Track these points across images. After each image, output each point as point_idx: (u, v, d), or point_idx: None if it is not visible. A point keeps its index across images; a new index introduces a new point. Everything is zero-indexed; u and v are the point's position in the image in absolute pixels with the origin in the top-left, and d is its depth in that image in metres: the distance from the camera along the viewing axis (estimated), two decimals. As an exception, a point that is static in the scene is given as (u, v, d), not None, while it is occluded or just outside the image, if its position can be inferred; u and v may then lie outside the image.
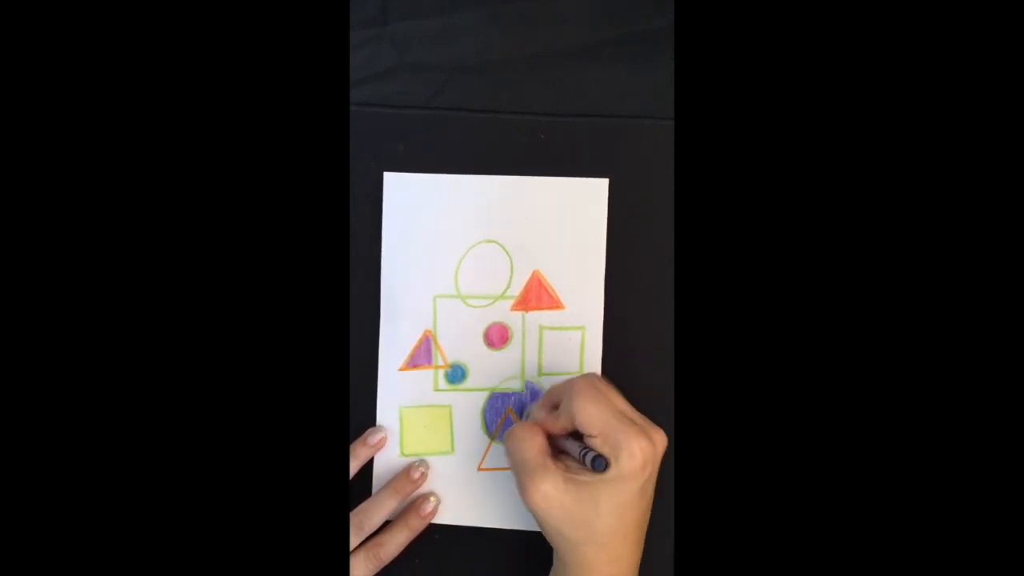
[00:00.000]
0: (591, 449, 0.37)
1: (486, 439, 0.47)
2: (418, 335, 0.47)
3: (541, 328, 0.46)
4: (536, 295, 0.46)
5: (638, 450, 0.35)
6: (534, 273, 0.46)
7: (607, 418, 0.36)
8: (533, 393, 0.46)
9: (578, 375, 0.40)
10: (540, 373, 0.47)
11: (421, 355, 0.47)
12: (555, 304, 0.46)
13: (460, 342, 0.47)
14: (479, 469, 0.47)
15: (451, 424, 0.47)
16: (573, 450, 0.38)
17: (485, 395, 0.47)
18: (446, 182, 0.47)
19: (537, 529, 0.43)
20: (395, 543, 0.44)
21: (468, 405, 0.47)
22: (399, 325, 0.47)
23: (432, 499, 0.46)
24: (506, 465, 0.46)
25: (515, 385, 0.47)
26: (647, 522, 0.39)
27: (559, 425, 0.39)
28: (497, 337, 0.47)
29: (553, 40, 0.47)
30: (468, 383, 0.47)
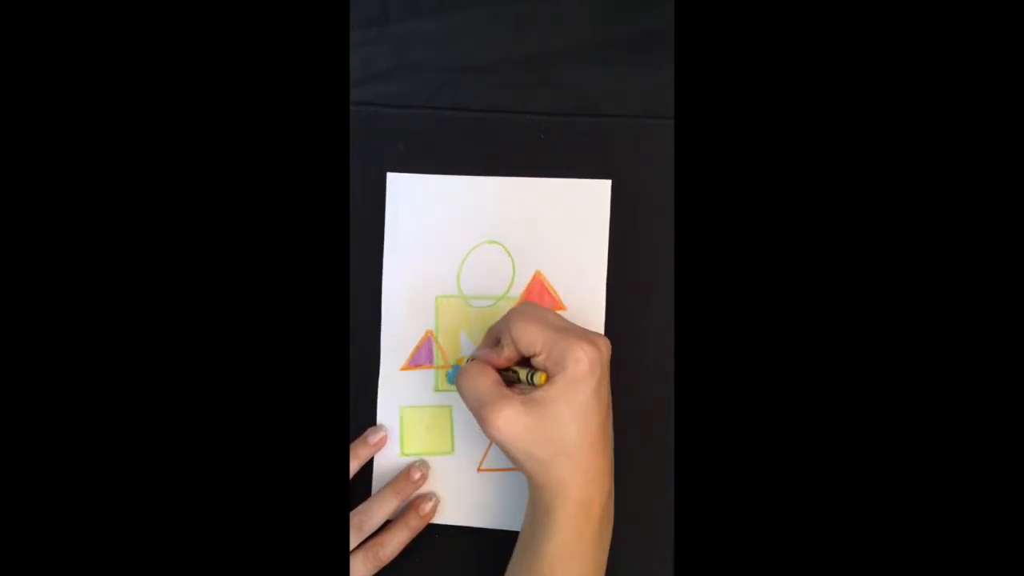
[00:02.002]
0: (534, 368, 0.38)
1: (486, 439, 0.47)
2: (420, 335, 0.47)
3: (542, 328, 0.46)
4: (538, 296, 0.46)
5: (582, 354, 0.36)
6: (536, 274, 0.46)
7: (546, 333, 0.37)
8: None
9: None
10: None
11: (422, 355, 0.47)
12: (557, 305, 0.46)
13: (461, 342, 0.47)
14: (479, 469, 0.47)
15: (451, 424, 0.47)
16: (521, 374, 0.39)
17: (486, 395, 0.47)
18: (449, 183, 0.47)
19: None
20: (395, 543, 0.44)
21: (469, 405, 0.47)
22: (401, 325, 0.47)
23: (432, 499, 0.46)
24: (507, 466, 0.46)
25: (516, 385, 0.47)
26: (610, 434, 0.39)
27: (504, 357, 0.40)
28: (498, 337, 0.47)
29: (553, 40, 0.47)
30: (469, 383, 0.47)
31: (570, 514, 0.37)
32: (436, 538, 0.46)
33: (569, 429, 0.36)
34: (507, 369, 0.40)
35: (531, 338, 0.38)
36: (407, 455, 0.47)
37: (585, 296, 0.46)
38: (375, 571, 0.44)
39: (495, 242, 0.47)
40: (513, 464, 0.39)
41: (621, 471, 0.40)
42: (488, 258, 0.47)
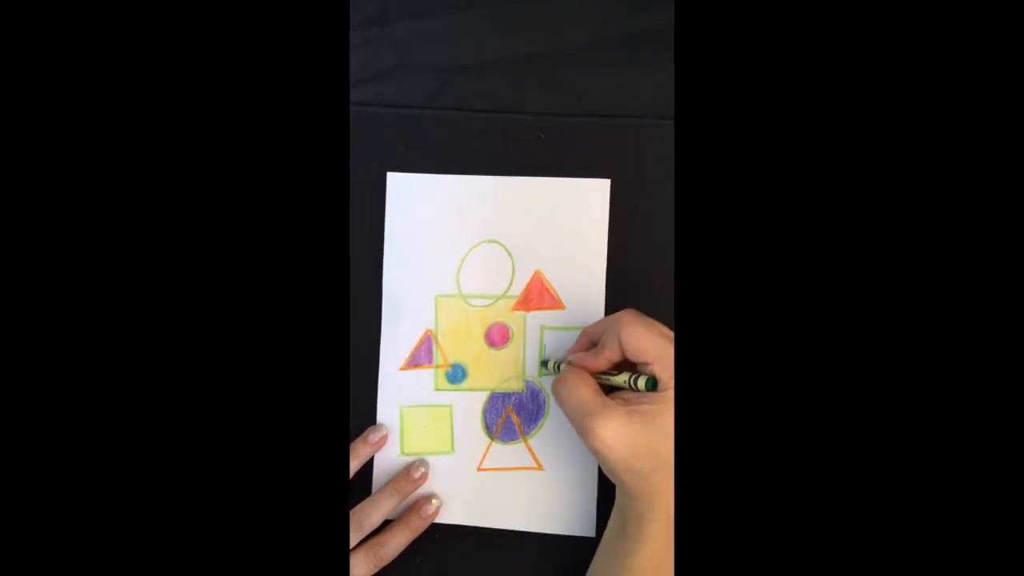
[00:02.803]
0: (640, 373, 0.37)
1: (486, 439, 0.47)
2: (419, 335, 0.47)
3: (542, 328, 0.46)
4: (537, 295, 0.46)
5: None
6: (536, 273, 0.46)
7: (661, 342, 0.37)
8: (533, 393, 0.46)
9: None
10: (540, 374, 0.47)
11: (422, 355, 0.47)
12: (556, 304, 0.46)
13: (461, 342, 0.47)
14: (479, 469, 0.47)
15: (451, 424, 0.47)
16: (620, 381, 0.38)
17: (486, 395, 0.47)
18: (448, 182, 0.47)
19: (537, 530, 0.43)
20: (395, 543, 0.44)
21: (469, 405, 0.47)
22: (400, 325, 0.47)
23: (434, 501, 0.46)
24: (507, 465, 0.46)
25: (516, 385, 0.47)
26: None
27: (603, 359, 0.39)
28: (498, 337, 0.47)
29: (553, 40, 0.47)
30: (469, 383, 0.47)
31: (662, 527, 0.36)
32: (436, 538, 0.46)
33: (671, 442, 0.36)
34: (602, 373, 0.40)
35: (644, 345, 0.37)
36: (407, 455, 0.47)
37: (584, 296, 0.46)
38: (375, 571, 0.44)
39: (495, 241, 0.47)
40: (606, 472, 0.38)
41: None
42: (488, 257, 0.47)
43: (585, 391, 0.38)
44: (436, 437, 0.47)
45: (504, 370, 0.47)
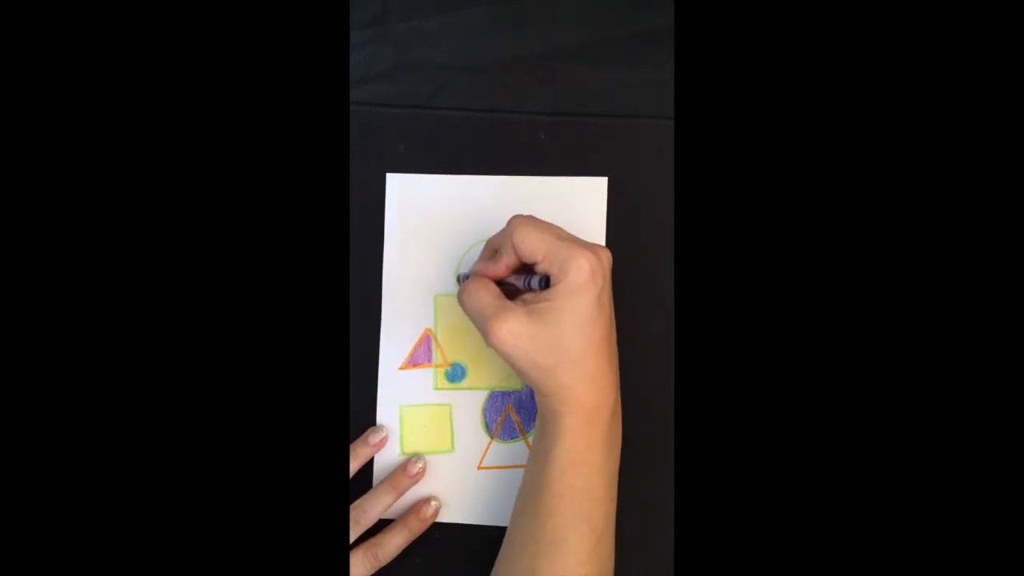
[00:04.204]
0: (533, 274, 0.38)
1: (486, 438, 0.47)
2: (419, 334, 0.47)
3: (541, 327, 0.46)
4: (536, 294, 0.46)
5: (584, 261, 0.36)
6: (535, 272, 0.46)
7: (549, 240, 0.37)
8: (532, 392, 0.46)
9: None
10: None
11: (421, 354, 0.47)
12: (555, 303, 0.46)
13: (460, 341, 0.47)
14: (479, 468, 0.47)
15: (451, 423, 0.47)
16: (519, 283, 0.39)
17: (485, 394, 0.47)
18: (448, 182, 0.47)
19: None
20: (394, 544, 0.44)
21: (468, 404, 0.47)
22: (400, 324, 0.47)
23: (433, 503, 0.46)
24: (507, 463, 0.46)
25: (515, 384, 0.47)
26: (614, 343, 0.39)
27: (503, 266, 0.40)
28: (497, 336, 0.47)
29: (553, 40, 0.47)
30: (468, 382, 0.47)
31: (578, 419, 0.37)
32: (436, 537, 0.46)
33: (573, 337, 0.36)
34: (506, 283, 0.41)
35: (532, 245, 0.38)
36: (407, 454, 0.47)
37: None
38: (373, 571, 0.44)
39: (494, 241, 0.47)
40: (518, 375, 0.39)
41: (621, 469, 0.40)
42: (487, 257, 0.47)
43: (485, 296, 0.39)
44: (436, 436, 0.47)
45: (503, 369, 0.47)
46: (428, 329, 0.47)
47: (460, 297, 0.40)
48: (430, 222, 0.47)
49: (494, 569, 0.41)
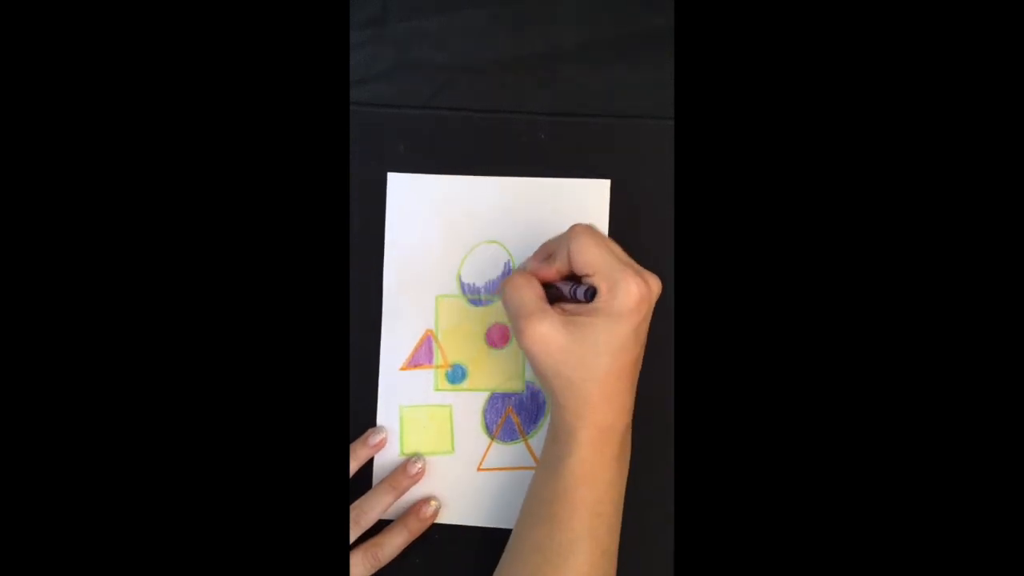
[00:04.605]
0: (581, 284, 0.38)
1: (486, 439, 0.47)
2: (419, 335, 0.47)
3: (542, 328, 0.46)
4: (537, 295, 0.46)
5: (635, 287, 0.36)
6: (535, 273, 0.46)
7: (606, 257, 0.37)
8: (533, 394, 0.46)
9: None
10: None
11: (422, 355, 0.47)
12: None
13: (461, 342, 0.47)
14: (479, 469, 0.47)
15: (451, 424, 0.47)
16: (564, 289, 0.39)
17: (486, 395, 0.47)
18: (449, 183, 0.47)
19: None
20: (394, 544, 0.44)
21: (469, 405, 0.47)
22: (401, 324, 0.47)
23: (433, 503, 0.46)
24: (507, 464, 0.46)
25: (516, 385, 0.47)
26: (638, 371, 0.39)
27: (554, 270, 0.39)
28: (498, 337, 0.47)
29: (553, 40, 0.47)
30: (468, 383, 0.47)
31: (592, 435, 0.37)
32: (436, 538, 0.46)
33: (604, 359, 0.36)
34: (551, 286, 0.40)
35: (590, 258, 0.37)
36: (407, 455, 0.47)
37: (585, 296, 0.46)
38: (373, 571, 0.44)
39: (495, 242, 0.47)
40: (538, 377, 0.39)
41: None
42: (488, 258, 0.47)
43: (528, 293, 0.38)
44: (436, 437, 0.47)
45: (504, 370, 0.47)
46: (429, 330, 0.47)
47: (502, 288, 0.40)
48: (430, 222, 0.47)
49: (496, 572, 0.41)
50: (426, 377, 0.47)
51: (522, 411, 0.47)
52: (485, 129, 0.47)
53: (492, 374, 0.47)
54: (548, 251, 0.41)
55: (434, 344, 0.47)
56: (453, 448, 0.47)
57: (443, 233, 0.47)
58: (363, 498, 0.45)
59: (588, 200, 0.46)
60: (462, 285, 0.47)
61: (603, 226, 0.46)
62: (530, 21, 0.47)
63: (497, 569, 0.41)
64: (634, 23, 0.47)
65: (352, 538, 0.44)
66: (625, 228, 0.46)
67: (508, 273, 0.47)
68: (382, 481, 0.46)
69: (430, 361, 0.47)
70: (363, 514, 0.44)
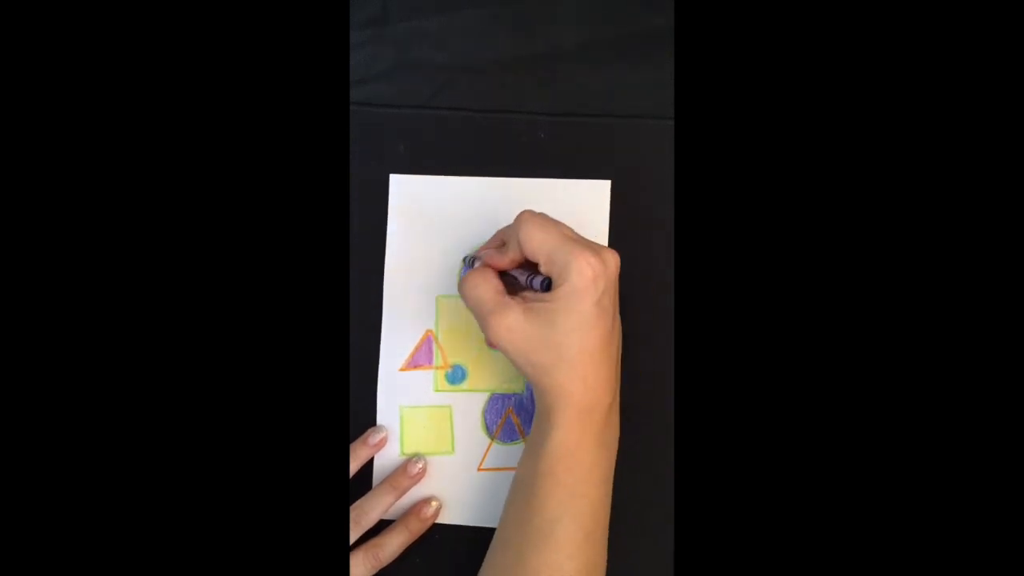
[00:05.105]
0: (536, 273, 0.39)
1: (486, 439, 0.47)
2: (419, 335, 0.47)
3: (542, 328, 0.46)
4: (537, 295, 0.46)
5: (586, 265, 0.36)
6: (535, 273, 0.46)
7: (553, 240, 0.37)
8: (533, 394, 0.46)
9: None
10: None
11: (422, 355, 0.47)
12: (556, 304, 0.46)
13: (461, 343, 0.47)
14: (479, 469, 0.47)
15: (451, 424, 0.47)
16: (521, 279, 0.39)
17: (486, 396, 0.47)
18: (451, 184, 0.47)
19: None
20: (394, 544, 0.44)
21: (468, 406, 0.47)
22: (401, 325, 0.47)
23: (433, 503, 0.46)
24: (506, 465, 0.46)
25: (515, 386, 0.47)
26: (615, 345, 0.39)
27: (508, 259, 0.40)
28: (498, 337, 0.47)
29: (553, 40, 0.47)
30: (468, 384, 0.47)
31: (570, 416, 0.38)
32: (436, 538, 0.46)
33: (569, 338, 0.37)
34: (507, 273, 0.41)
35: (538, 243, 0.38)
36: (407, 455, 0.47)
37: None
38: (373, 571, 0.44)
39: (495, 242, 0.47)
40: (515, 367, 0.39)
41: (621, 468, 0.40)
42: (488, 258, 0.47)
43: (486, 289, 0.39)
44: (436, 437, 0.47)
45: (504, 371, 0.47)
46: (429, 330, 0.47)
47: (460, 286, 0.40)
48: (431, 222, 0.47)
49: (485, 559, 0.41)
50: (426, 378, 0.47)
51: (522, 412, 0.47)
52: (485, 129, 0.47)
53: (492, 375, 0.47)
54: (500, 239, 0.41)
55: (434, 345, 0.47)
56: (453, 449, 0.47)
57: (443, 233, 0.47)
58: (364, 498, 0.45)
59: (588, 200, 0.46)
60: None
61: (603, 226, 0.46)
62: (530, 21, 0.47)
63: (487, 555, 0.41)
64: (634, 23, 0.47)
65: (353, 538, 0.44)
66: (625, 228, 0.46)
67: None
68: (383, 481, 0.46)
69: (430, 362, 0.47)
70: (364, 514, 0.44)
